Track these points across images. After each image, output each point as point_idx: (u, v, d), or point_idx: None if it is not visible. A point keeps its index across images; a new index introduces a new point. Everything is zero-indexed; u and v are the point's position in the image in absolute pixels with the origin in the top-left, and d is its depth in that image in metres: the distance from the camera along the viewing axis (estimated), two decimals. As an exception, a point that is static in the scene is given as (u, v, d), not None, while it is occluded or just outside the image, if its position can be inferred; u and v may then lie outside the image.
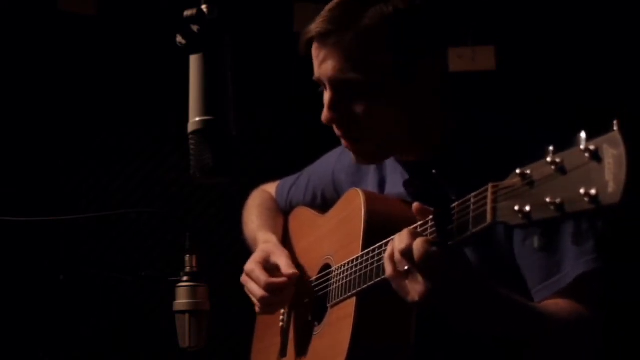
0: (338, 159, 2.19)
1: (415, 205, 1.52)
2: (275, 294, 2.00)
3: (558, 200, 1.14)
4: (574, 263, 1.67)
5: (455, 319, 1.57)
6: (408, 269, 1.48)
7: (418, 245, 1.44)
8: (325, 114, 1.80)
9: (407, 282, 1.50)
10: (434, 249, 1.43)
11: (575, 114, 3.01)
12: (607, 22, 3.08)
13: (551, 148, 1.16)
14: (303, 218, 2.24)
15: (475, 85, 3.14)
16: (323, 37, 1.77)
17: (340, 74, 1.76)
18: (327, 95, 1.80)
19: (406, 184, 1.88)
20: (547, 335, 1.63)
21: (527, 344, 1.66)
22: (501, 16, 3.19)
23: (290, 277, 1.98)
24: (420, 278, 1.46)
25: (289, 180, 2.37)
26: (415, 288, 1.48)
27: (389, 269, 1.52)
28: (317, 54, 1.80)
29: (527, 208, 1.19)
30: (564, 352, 1.68)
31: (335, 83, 1.77)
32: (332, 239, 1.98)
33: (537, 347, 1.65)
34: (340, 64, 1.75)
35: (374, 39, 1.74)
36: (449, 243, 1.42)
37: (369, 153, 1.85)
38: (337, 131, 1.84)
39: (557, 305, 1.67)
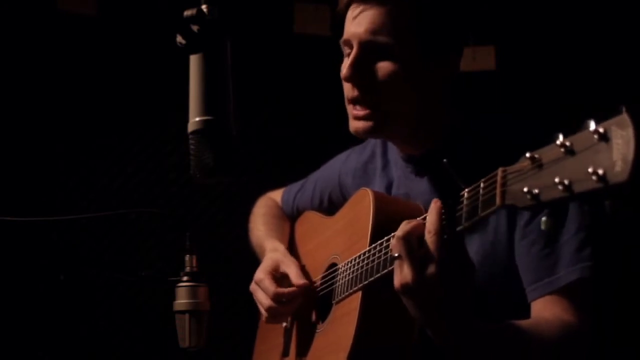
0: (344, 162, 2.20)
1: (435, 200, 1.52)
2: (282, 304, 2.00)
3: (566, 181, 1.14)
4: (569, 268, 1.67)
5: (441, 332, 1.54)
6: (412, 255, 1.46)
7: (429, 237, 1.44)
8: (346, 71, 1.82)
9: (404, 267, 1.47)
10: (438, 237, 1.43)
11: (576, 114, 3.01)
12: (607, 22, 3.08)
13: (561, 134, 1.17)
14: (310, 221, 2.25)
15: (475, 85, 3.14)
16: None
17: (372, 35, 1.78)
18: (351, 55, 1.82)
19: (417, 172, 1.89)
20: (538, 348, 1.62)
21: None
22: (501, 16, 3.19)
23: (301, 287, 1.98)
24: (410, 267, 1.45)
25: (295, 186, 2.37)
26: (406, 275, 1.46)
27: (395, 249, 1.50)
28: (353, 12, 1.82)
29: (536, 190, 1.20)
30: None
31: (365, 44, 1.80)
32: (340, 238, 1.98)
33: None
34: (374, 25, 1.78)
35: (411, 10, 1.78)
36: (458, 229, 1.42)
37: (374, 122, 1.83)
38: (350, 92, 1.84)
39: (546, 319, 1.66)
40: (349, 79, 1.82)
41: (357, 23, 1.80)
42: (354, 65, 1.81)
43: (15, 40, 2.99)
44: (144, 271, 1.85)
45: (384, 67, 1.79)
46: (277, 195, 2.44)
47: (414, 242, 1.47)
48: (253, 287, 2.07)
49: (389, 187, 2.01)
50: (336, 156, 2.26)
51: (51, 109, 3.07)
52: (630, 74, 3.05)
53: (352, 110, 1.85)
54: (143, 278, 1.86)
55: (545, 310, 1.69)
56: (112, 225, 3.13)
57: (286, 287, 2.01)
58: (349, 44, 1.84)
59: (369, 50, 1.80)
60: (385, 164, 2.04)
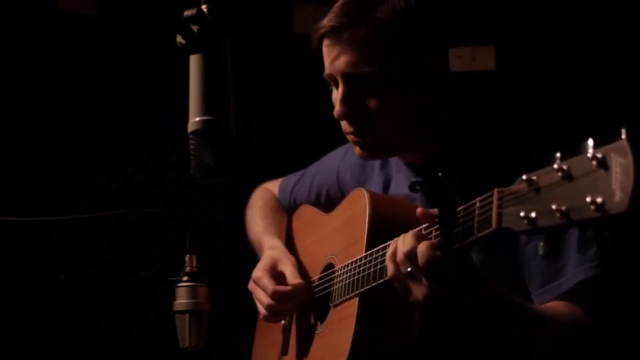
0: (343, 159, 2.19)
1: (420, 210, 1.52)
2: (281, 302, 2.00)
3: (564, 208, 1.13)
4: (576, 269, 1.67)
5: (456, 319, 1.57)
6: (411, 270, 1.48)
7: (422, 249, 1.44)
8: (338, 110, 1.80)
9: (409, 282, 1.50)
10: (438, 253, 1.43)
11: (576, 114, 3.01)
12: (608, 22, 3.08)
13: (558, 154, 1.16)
14: (307, 217, 2.24)
15: (475, 85, 3.13)
16: (337, 32, 1.78)
17: (354, 68, 1.76)
18: (339, 91, 1.80)
19: (412, 187, 1.88)
20: (546, 336, 1.63)
21: (530, 344, 1.66)
22: (501, 16, 3.19)
23: (295, 287, 1.98)
24: (423, 280, 1.46)
25: (293, 178, 2.36)
26: (418, 289, 1.48)
27: (390, 269, 1.53)
28: (329, 50, 1.80)
29: (533, 214, 1.19)
30: (563, 356, 1.68)
31: (349, 77, 1.78)
32: (336, 238, 1.98)
33: (537, 349, 1.66)
34: (354, 58, 1.76)
35: (387, 33, 1.75)
36: (454, 247, 1.42)
37: (376, 147, 1.85)
38: (346, 127, 1.84)
39: (556, 309, 1.67)
40: (342, 117, 1.81)
41: (336, 58, 1.79)
42: (344, 103, 1.79)
43: (15, 40, 2.98)
44: (144, 271, 1.85)
45: (374, 98, 1.77)
46: (274, 185, 2.43)
47: (410, 258, 1.48)
48: (251, 285, 2.07)
49: (386, 184, 2.00)
50: (335, 150, 2.24)
51: (51, 109, 3.06)
52: (630, 74, 3.04)
53: (352, 138, 1.85)
54: (143, 278, 1.86)
55: (554, 309, 1.68)
56: (112, 225, 3.12)
57: (285, 285, 2.01)
58: (332, 78, 1.83)
59: (354, 83, 1.78)
60: (385, 163, 2.04)
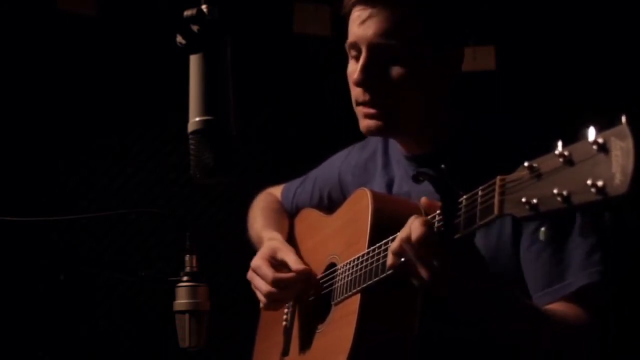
0: (344, 161, 2.19)
1: (424, 199, 1.52)
2: (281, 289, 2.00)
3: (565, 192, 1.14)
4: (579, 273, 1.67)
5: (459, 311, 1.57)
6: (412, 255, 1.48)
7: (418, 229, 1.45)
8: (357, 77, 1.81)
9: (416, 264, 1.50)
10: (434, 235, 1.44)
11: (576, 114, 3.01)
12: (607, 22, 3.08)
13: (560, 142, 1.17)
14: (309, 219, 2.24)
15: (475, 85, 3.14)
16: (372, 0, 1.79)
17: (380, 38, 1.78)
18: (361, 59, 1.82)
19: (415, 177, 1.89)
20: (547, 337, 1.63)
21: (528, 343, 1.65)
22: (501, 16, 3.19)
23: (299, 272, 1.98)
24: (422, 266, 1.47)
25: (295, 183, 2.37)
26: (422, 271, 1.48)
27: (390, 260, 1.53)
28: (360, 14, 1.81)
29: (535, 200, 1.20)
30: (562, 355, 1.68)
31: (374, 46, 1.80)
32: (338, 238, 1.98)
33: (535, 348, 1.65)
34: (383, 28, 1.78)
35: (420, 13, 1.78)
36: (456, 236, 1.42)
37: (385, 122, 1.84)
38: (360, 96, 1.84)
39: (558, 310, 1.67)
40: (360, 83, 1.82)
41: (365, 26, 1.80)
42: (364, 70, 1.81)
43: (15, 40, 2.99)
44: (144, 271, 1.86)
45: (394, 71, 1.79)
46: (277, 190, 2.44)
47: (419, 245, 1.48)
48: (250, 274, 2.07)
49: (389, 184, 2.01)
50: (337, 153, 2.25)
51: (51, 109, 3.07)
52: (630, 74, 3.05)
53: (362, 110, 1.85)
54: (143, 278, 1.86)
55: (555, 310, 1.68)
56: (112, 225, 3.13)
57: (285, 273, 2.01)
58: (356, 47, 1.84)
59: (378, 54, 1.80)
60: (387, 163, 2.04)
